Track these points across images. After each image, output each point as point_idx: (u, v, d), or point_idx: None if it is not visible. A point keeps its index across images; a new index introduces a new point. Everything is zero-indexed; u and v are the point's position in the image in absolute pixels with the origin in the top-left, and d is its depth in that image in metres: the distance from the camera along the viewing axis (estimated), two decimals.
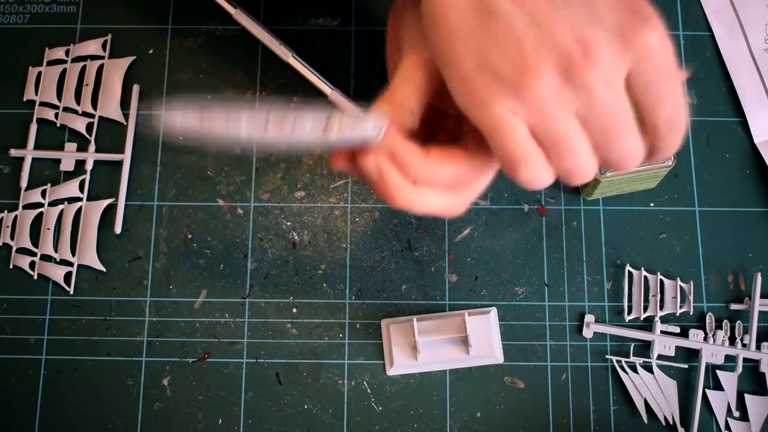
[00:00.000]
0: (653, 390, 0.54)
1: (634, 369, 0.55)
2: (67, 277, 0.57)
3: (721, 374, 0.54)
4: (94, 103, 0.60)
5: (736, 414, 0.54)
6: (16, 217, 0.58)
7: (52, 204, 0.58)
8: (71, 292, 0.56)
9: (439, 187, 0.40)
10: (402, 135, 0.39)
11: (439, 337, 0.53)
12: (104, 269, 0.57)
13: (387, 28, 0.45)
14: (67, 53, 0.61)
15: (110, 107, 0.60)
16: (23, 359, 0.55)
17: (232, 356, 0.55)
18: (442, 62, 0.38)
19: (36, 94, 0.60)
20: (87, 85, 0.60)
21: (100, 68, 0.61)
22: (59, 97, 0.60)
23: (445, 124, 0.44)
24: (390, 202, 0.40)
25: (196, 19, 0.62)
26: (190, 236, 0.58)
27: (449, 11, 0.37)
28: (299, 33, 0.62)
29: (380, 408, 0.54)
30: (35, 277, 0.57)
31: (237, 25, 0.62)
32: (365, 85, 0.60)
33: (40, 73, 0.60)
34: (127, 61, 0.61)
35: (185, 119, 0.38)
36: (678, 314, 0.56)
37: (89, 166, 0.59)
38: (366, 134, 0.38)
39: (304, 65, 0.53)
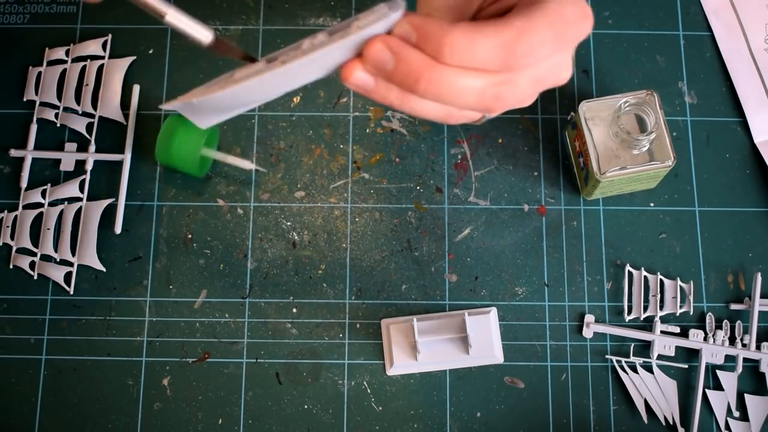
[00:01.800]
0: (653, 390, 0.54)
1: (634, 369, 0.55)
2: (67, 277, 0.57)
3: (721, 374, 0.54)
4: (94, 103, 0.60)
5: (736, 414, 0.54)
6: (16, 217, 0.58)
7: (52, 204, 0.58)
8: (71, 292, 0.56)
9: (480, 65, 0.35)
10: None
11: (439, 337, 0.53)
12: (104, 269, 0.57)
13: None
14: (67, 53, 0.61)
15: (110, 107, 0.60)
16: (23, 359, 0.55)
17: (232, 356, 0.55)
18: None
19: (36, 94, 0.60)
20: (87, 85, 0.60)
21: (100, 68, 0.61)
22: (59, 97, 0.60)
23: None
24: (416, 87, 0.35)
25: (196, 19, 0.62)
26: (190, 236, 0.58)
27: None
28: (299, 33, 0.62)
29: (380, 408, 0.54)
30: (35, 277, 0.57)
31: (237, 25, 0.62)
32: None
33: (40, 73, 0.60)
34: (127, 61, 0.61)
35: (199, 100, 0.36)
36: (678, 314, 0.56)
37: (89, 166, 0.59)
38: (385, 17, 0.34)
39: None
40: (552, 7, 0.36)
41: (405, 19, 0.35)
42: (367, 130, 0.60)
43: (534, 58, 0.35)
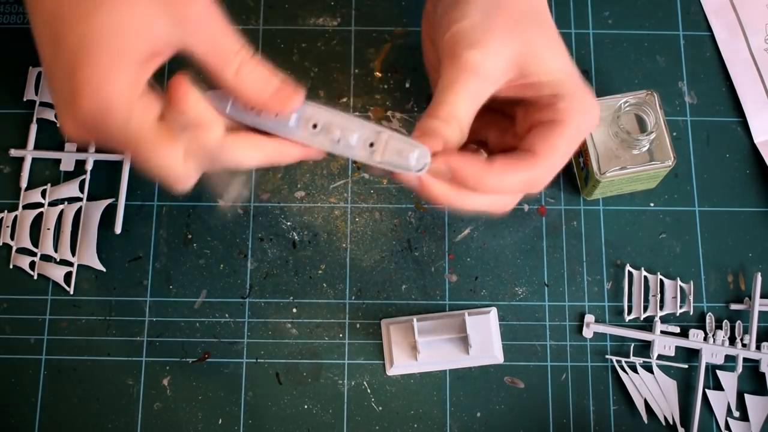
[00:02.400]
0: (653, 390, 0.54)
1: (634, 369, 0.55)
2: (67, 277, 0.57)
3: (721, 374, 0.54)
4: None
5: (736, 414, 0.54)
6: (16, 217, 0.58)
7: (52, 204, 0.58)
8: (71, 292, 0.56)
9: (504, 194, 0.41)
10: (455, 150, 0.40)
11: (439, 337, 0.53)
12: (104, 269, 0.57)
13: (422, 27, 0.45)
14: None
15: None
16: (23, 359, 0.55)
17: (232, 356, 0.55)
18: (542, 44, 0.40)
19: (36, 94, 0.60)
20: None
21: None
22: None
23: (493, 122, 0.45)
24: (439, 203, 0.41)
25: None
26: (190, 236, 0.58)
27: None
28: (299, 33, 0.62)
29: (380, 408, 0.54)
30: (35, 277, 0.57)
31: (237, 25, 0.62)
32: (365, 85, 0.60)
33: (40, 73, 0.60)
34: None
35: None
36: (678, 314, 0.56)
37: (89, 166, 0.58)
38: (408, 167, 0.39)
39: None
40: (573, 128, 0.40)
41: (442, 159, 0.39)
42: None
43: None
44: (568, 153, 0.41)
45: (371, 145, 0.39)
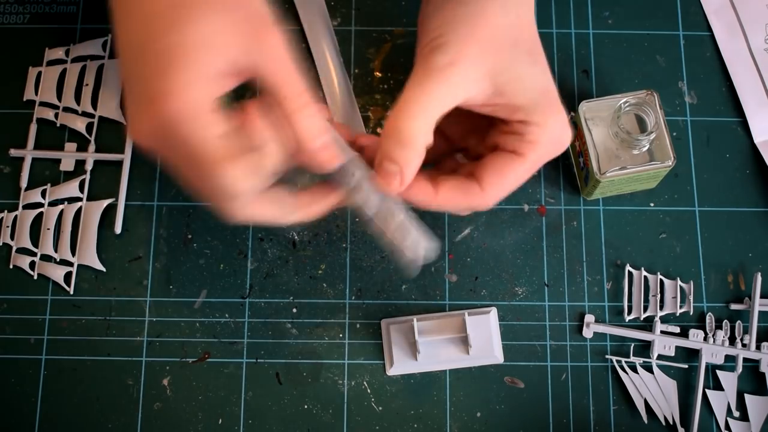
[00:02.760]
0: (653, 390, 0.54)
1: (634, 369, 0.55)
2: (67, 277, 0.57)
3: (721, 374, 0.54)
4: (94, 103, 0.60)
5: (736, 414, 0.54)
6: (16, 217, 0.58)
7: (52, 204, 0.58)
8: (71, 292, 0.56)
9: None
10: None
11: (439, 337, 0.53)
12: (104, 269, 0.57)
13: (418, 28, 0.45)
14: (67, 53, 0.61)
15: (110, 107, 0.60)
16: (23, 359, 0.55)
17: (232, 356, 0.55)
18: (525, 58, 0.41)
19: (36, 94, 0.60)
20: (87, 85, 0.60)
21: (100, 68, 0.60)
22: (59, 97, 0.60)
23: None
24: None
25: None
26: (190, 236, 0.58)
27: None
28: (300, 33, 0.62)
29: (380, 408, 0.54)
30: (35, 277, 0.57)
31: None
32: (365, 85, 0.60)
33: (40, 73, 0.60)
34: None
35: None
36: (678, 314, 0.56)
37: (89, 166, 0.59)
38: (416, 249, 0.44)
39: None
40: (530, 161, 0.42)
41: (398, 180, 0.42)
42: (368, 130, 0.60)
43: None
44: (516, 184, 0.43)
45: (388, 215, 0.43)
